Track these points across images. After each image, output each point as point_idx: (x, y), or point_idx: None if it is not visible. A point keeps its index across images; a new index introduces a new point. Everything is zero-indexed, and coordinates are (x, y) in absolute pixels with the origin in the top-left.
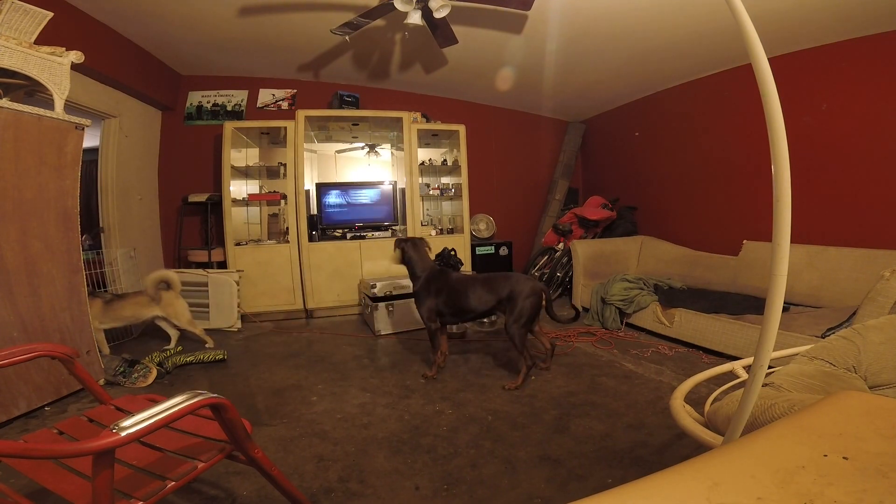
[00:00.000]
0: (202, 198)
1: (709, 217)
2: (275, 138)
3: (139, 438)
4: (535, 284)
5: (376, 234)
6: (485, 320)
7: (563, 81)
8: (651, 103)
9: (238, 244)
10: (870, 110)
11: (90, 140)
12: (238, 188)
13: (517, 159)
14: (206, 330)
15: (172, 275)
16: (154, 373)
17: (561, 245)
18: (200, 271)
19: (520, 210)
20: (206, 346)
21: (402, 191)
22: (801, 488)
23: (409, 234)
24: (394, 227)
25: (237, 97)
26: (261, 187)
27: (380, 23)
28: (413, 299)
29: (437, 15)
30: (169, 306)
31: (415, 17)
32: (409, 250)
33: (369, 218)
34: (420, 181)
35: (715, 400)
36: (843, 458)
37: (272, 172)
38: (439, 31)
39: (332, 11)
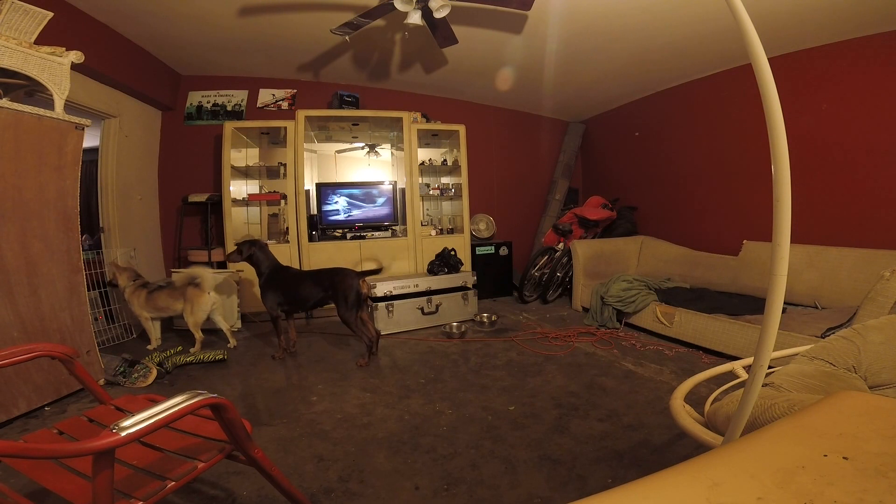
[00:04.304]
0: (202, 198)
1: (709, 217)
2: (275, 138)
3: (139, 438)
4: (352, 279)
5: (376, 234)
6: (485, 320)
7: (563, 81)
8: (651, 103)
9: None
10: (870, 110)
11: (90, 140)
12: (238, 188)
13: (517, 159)
14: (205, 330)
15: (205, 274)
16: (154, 373)
17: (561, 245)
18: None
19: (520, 210)
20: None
21: (402, 191)
22: (801, 488)
23: (409, 234)
24: (394, 227)
25: (237, 97)
26: (261, 187)
27: (380, 23)
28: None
29: (437, 15)
30: (188, 303)
31: (415, 17)
32: (256, 251)
33: (369, 218)
34: (420, 181)
35: (715, 400)
36: (843, 458)
37: (272, 172)
38: (439, 31)
39: (332, 11)
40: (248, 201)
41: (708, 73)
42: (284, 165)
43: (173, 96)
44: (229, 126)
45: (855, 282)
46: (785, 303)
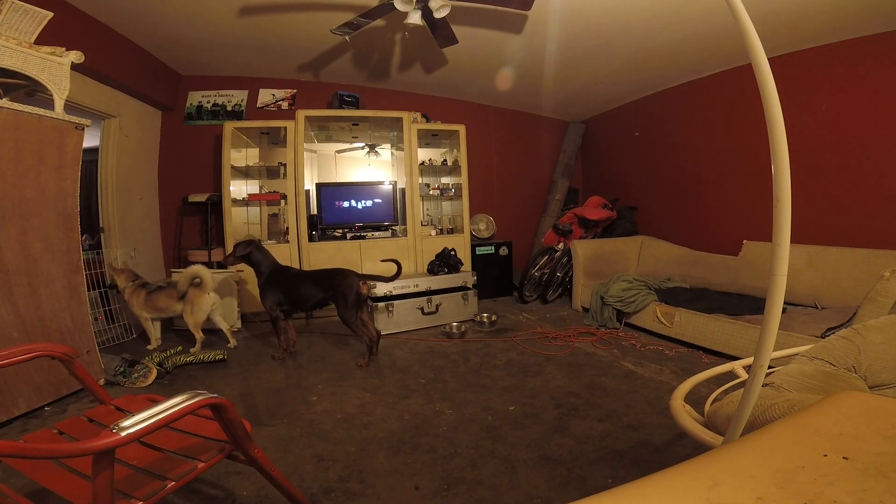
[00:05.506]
0: (202, 198)
1: (709, 217)
2: (275, 138)
3: (139, 438)
4: (352, 280)
5: (376, 234)
6: (485, 320)
7: (563, 81)
8: (651, 103)
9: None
10: (870, 110)
11: (90, 140)
12: (238, 188)
13: (517, 159)
14: (205, 330)
15: (204, 273)
16: (154, 373)
17: (561, 245)
18: None
19: (520, 210)
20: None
21: (402, 191)
22: (801, 488)
23: (409, 234)
24: (394, 227)
25: (237, 97)
26: (261, 187)
27: (380, 23)
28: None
29: (437, 15)
30: (188, 303)
31: (415, 17)
32: (254, 251)
33: (369, 218)
34: (420, 181)
35: (715, 400)
36: (843, 458)
37: (272, 172)
38: (439, 31)
39: (332, 11)
40: (248, 201)
41: (708, 73)
42: (284, 165)
43: (173, 96)
44: (229, 126)
45: (855, 282)
46: (785, 303)
